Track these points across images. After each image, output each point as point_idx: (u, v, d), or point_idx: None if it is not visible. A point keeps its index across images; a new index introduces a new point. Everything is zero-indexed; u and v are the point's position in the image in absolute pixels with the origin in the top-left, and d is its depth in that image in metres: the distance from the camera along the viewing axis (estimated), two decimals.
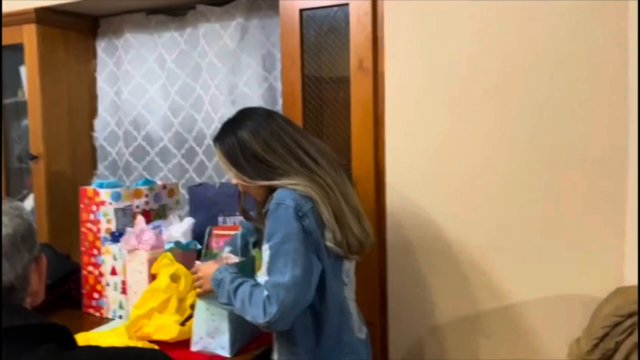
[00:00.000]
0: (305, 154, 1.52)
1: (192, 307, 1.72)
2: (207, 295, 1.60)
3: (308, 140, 1.56)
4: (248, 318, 1.42)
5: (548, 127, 1.80)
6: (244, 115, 1.59)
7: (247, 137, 1.52)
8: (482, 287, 1.90)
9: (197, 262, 1.68)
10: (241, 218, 2.03)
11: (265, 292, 1.38)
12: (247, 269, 1.61)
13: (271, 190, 1.51)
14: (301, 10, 2.02)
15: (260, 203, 1.63)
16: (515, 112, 1.82)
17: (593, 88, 1.74)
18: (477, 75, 1.84)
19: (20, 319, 0.87)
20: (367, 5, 1.91)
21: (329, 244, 1.45)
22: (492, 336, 1.92)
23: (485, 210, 1.88)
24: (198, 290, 1.62)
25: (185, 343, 1.67)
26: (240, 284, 1.45)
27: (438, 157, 1.89)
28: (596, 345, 1.57)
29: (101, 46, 2.68)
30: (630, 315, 1.53)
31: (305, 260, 1.39)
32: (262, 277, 1.42)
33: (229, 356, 1.62)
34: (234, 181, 1.59)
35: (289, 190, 1.45)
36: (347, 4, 1.95)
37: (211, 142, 2.39)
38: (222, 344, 1.63)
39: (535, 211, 1.83)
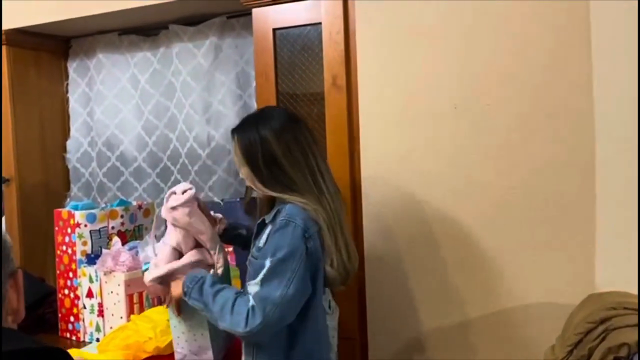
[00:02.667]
0: (318, 170, 1.50)
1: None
2: (182, 314, 1.59)
3: (322, 157, 1.55)
4: (223, 324, 1.40)
5: (516, 136, 1.84)
6: (270, 114, 1.55)
7: (271, 138, 1.47)
8: (460, 298, 1.93)
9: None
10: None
11: (251, 302, 1.37)
12: (223, 277, 1.61)
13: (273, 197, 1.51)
14: (274, 30, 2.05)
15: (262, 202, 1.61)
16: (485, 123, 1.86)
17: (559, 95, 1.79)
18: (447, 89, 1.88)
19: (13, 342, 0.83)
20: (339, 24, 1.94)
21: (329, 268, 1.46)
22: (472, 346, 1.95)
23: (458, 222, 1.91)
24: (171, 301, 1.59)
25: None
26: (221, 289, 1.44)
27: (413, 170, 1.92)
28: (570, 352, 1.60)
29: (73, 67, 2.67)
30: (602, 322, 1.57)
31: (299, 282, 1.39)
32: (253, 286, 1.41)
33: None
34: (242, 175, 1.55)
35: (299, 208, 1.44)
36: (319, 23, 1.98)
37: (185, 160, 2.41)
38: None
39: (506, 221, 1.87)
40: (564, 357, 1.59)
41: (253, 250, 1.52)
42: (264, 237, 1.48)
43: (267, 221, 1.50)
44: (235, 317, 1.38)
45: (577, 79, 1.78)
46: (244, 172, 1.51)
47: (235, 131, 1.53)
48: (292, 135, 1.49)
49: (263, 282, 1.39)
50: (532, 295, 1.87)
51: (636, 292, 1.68)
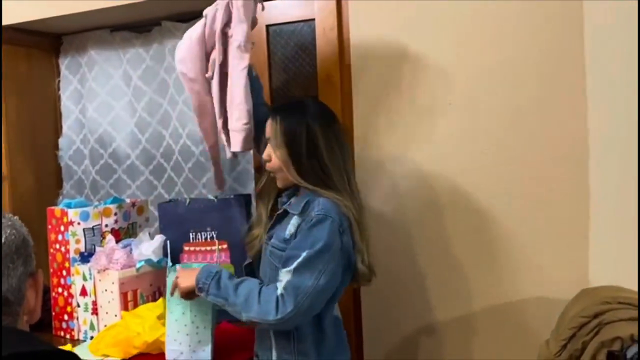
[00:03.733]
0: (350, 170, 1.55)
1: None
2: (180, 305, 1.58)
3: (351, 157, 1.60)
4: (249, 314, 1.41)
5: (509, 133, 1.85)
6: (317, 106, 1.56)
7: (317, 130, 1.49)
8: (452, 294, 1.94)
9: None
10: (213, 234, 2.04)
11: (279, 291, 1.40)
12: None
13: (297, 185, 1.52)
14: (267, 26, 2.04)
15: (270, 189, 1.62)
16: (481, 117, 1.87)
17: (552, 90, 1.80)
18: (443, 84, 1.89)
19: (24, 344, 0.83)
20: (333, 21, 1.94)
21: (360, 265, 1.48)
22: (466, 341, 1.96)
23: (454, 216, 1.92)
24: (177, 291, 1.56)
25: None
26: (241, 281, 1.46)
27: (409, 167, 1.93)
28: (564, 347, 1.61)
29: (64, 64, 2.65)
30: (595, 316, 1.58)
31: (331, 275, 1.42)
32: (284, 274, 1.42)
33: None
34: (266, 158, 1.54)
35: (333, 203, 1.46)
36: (312, 19, 1.97)
37: (179, 157, 2.40)
38: (204, 356, 1.61)
39: (499, 218, 1.88)
40: (557, 351, 1.60)
41: (273, 240, 1.53)
42: (290, 227, 1.49)
43: (292, 212, 1.51)
44: (264, 306, 1.40)
45: (571, 74, 1.79)
46: (279, 156, 1.50)
47: (279, 113, 1.52)
48: (334, 132, 1.52)
49: (296, 272, 1.41)
50: (526, 290, 1.88)
51: (630, 287, 1.69)
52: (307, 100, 1.59)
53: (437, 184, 1.92)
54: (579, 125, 1.80)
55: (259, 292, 1.42)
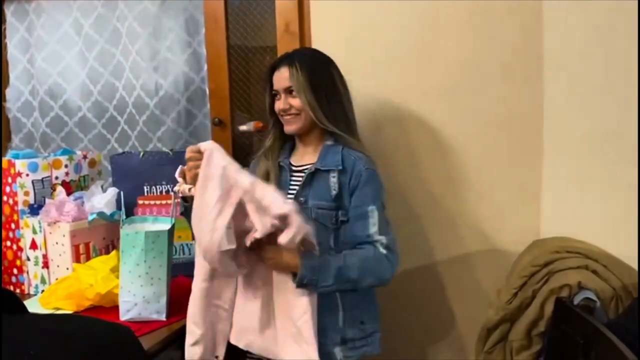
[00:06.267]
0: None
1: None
2: (134, 256, 1.54)
3: None
4: (367, 282, 1.42)
5: (468, 89, 1.86)
6: (322, 53, 1.58)
7: (336, 75, 1.53)
8: (407, 248, 1.96)
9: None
10: (168, 187, 2.00)
11: (382, 250, 1.42)
12: None
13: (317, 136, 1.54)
14: None
15: (276, 144, 1.61)
16: (437, 72, 1.87)
17: (510, 48, 1.81)
18: (403, 36, 1.87)
19: None
20: None
21: None
22: (418, 294, 1.99)
23: (414, 172, 1.93)
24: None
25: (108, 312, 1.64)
26: (341, 259, 1.41)
27: (367, 119, 1.92)
28: (515, 295, 1.66)
29: (10, 10, 2.52)
30: (545, 265, 1.63)
31: None
32: (376, 236, 1.43)
33: (165, 319, 1.59)
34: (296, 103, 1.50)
35: (367, 156, 1.50)
36: None
37: (133, 110, 2.33)
38: (158, 308, 1.59)
39: (453, 169, 1.90)
40: (508, 299, 1.65)
41: (314, 201, 1.47)
42: (332, 185, 1.47)
43: (331, 168, 1.48)
44: (379, 269, 1.42)
45: (528, 33, 1.80)
46: (303, 100, 1.48)
47: (295, 59, 1.51)
48: (342, 78, 1.56)
49: (381, 229, 1.43)
50: (481, 242, 1.91)
51: (578, 238, 1.74)
52: (320, 52, 1.60)
53: (393, 142, 1.92)
54: (534, 81, 1.82)
55: (366, 259, 1.41)
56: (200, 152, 1.35)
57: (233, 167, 1.32)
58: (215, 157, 1.32)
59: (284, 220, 1.27)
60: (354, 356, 1.52)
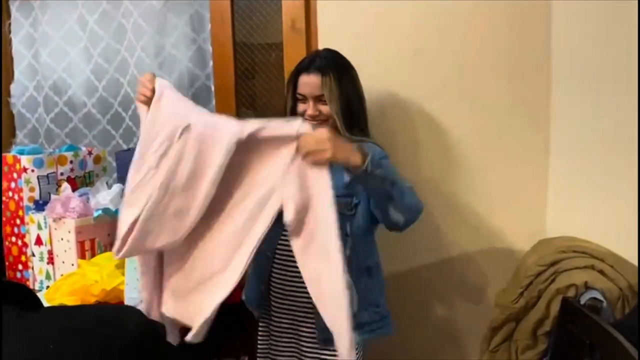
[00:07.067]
0: None
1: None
2: None
3: None
4: (407, 201, 1.38)
5: (474, 87, 1.85)
6: (349, 62, 1.60)
7: (358, 82, 1.59)
8: (411, 247, 1.95)
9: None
10: None
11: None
12: None
13: None
14: None
15: None
16: (444, 71, 1.86)
17: (518, 46, 1.80)
18: (410, 31, 1.86)
19: None
20: None
21: None
22: (425, 292, 1.99)
23: (416, 169, 1.92)
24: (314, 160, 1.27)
25: None
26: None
27: (371, 116, 1.91)
28: (521, 294, 1.65)
29: (15, 6, 2.51)
30: (552, 264, 1.62)
31: None
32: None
33: None
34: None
35: (381, 147, 1.55)
36: None
37: None
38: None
39: (459, 168, 1.89)
40: (514, 298, 1.65)
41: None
42: (345, 173, 1.43)
43: None
44: (415, 197, 1.41)
45: (535, 33, 1.79)
46: (333, 109, 1.52)
47: (328, 68, 1.53)
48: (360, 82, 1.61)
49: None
50: (485, 242, 1.91)
51: (584, 238, 1.74)
52: (333, 52, 1.61)
53: (403, 136, 1.91)
54: (542, 80, 1.82)
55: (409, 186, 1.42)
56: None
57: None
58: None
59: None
60: (369, 339, 1.55)
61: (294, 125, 1.27)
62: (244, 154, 1.29)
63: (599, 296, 1.52)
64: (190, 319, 1.32)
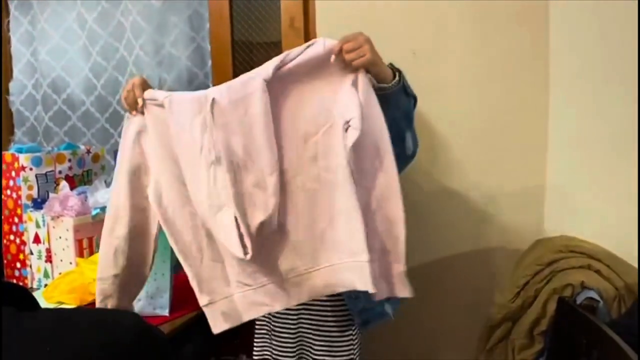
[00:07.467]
0: None
1: None
2: None
3: None
4: (414, 129, 1.38)
5: (473, 85, 1.85)
6: None
7: None
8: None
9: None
10: None
11: None
12: None
13: None
14: None
15: None
16: (443, 71, 1.86)
17: (517, 44, 1.80)
18: (409, 31, 1.86)
19: None
20: None
21: None
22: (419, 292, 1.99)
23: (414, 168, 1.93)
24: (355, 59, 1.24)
25: None
26: None
27: None
28: (518, 294, 1.66)
29: (13, 4, 2.51)
30: (549, 264, 1.63)
31: None
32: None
33: (168, 315, 1.59)
34: None
35: None
36: None
37: None
38: (162, 304, 1.59)
39: (457, 167, 1.90)
40: (511, 298, 1.65)
41: None
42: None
43: None
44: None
45: (534, 34, 1.79)
46: None
47: None
48: None
49: None
50: (483, 242, 1.91)
51: (581, 237, 1.74)
52: None
53: None
54: (540, 78, 1.81)
55: None
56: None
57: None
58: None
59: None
60: (397, 308, 1.57)
61: (319, 43, 1.22)
62: (286, 96, 1.24)
63: (595, 296, 1.52)
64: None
